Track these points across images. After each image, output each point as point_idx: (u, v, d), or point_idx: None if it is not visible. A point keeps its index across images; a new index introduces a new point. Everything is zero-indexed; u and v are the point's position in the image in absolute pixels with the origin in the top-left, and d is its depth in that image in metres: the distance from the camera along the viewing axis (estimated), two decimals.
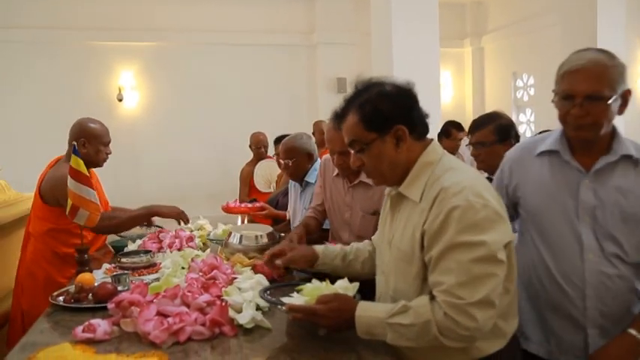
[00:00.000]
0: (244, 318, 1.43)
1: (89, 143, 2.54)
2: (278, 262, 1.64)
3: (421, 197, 1.28)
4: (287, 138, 2.84)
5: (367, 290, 1.52)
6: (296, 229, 2.33)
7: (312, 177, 2.76)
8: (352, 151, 1.37)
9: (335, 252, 1.65)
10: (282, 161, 2.81)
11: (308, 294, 1.40)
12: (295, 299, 1.41)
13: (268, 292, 1.58)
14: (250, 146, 5.02)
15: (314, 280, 1.52)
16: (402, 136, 1.30)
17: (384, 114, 1.29)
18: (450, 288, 1.16)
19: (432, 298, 1.21)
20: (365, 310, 1.26)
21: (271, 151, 4.96)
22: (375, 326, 1.23)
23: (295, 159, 2.74)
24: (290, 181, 3.02)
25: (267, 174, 4.51)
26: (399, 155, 1.31)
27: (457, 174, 1.27)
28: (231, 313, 1.48)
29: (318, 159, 2.82)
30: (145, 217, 2.68)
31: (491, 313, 1.17)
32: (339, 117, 1.39)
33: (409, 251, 1.28)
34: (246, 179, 4.84)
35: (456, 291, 1.15)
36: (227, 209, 3.20)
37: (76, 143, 2.15)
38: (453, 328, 1.15)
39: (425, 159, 1.32)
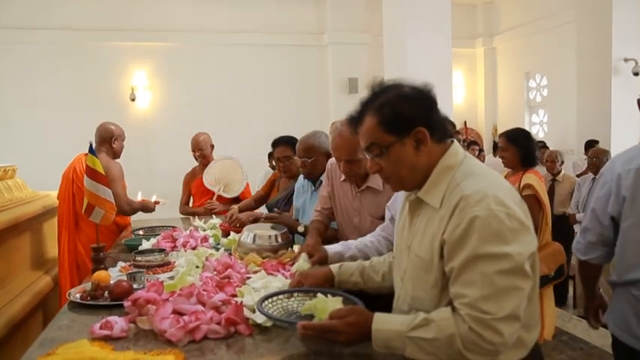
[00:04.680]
0: (261, 317, 1.43)
1: (117, 141, 3.46)
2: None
3: (441, 203, 1.24)
4: (305, 136, 2.74)
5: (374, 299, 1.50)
6: (309, 239, 2.23)
7: None
8: (369, 156, 1.32)
9: (352, 269, 1.61)
10: (297, 159, 2.73)
11: (314, 309, 1.35)
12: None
13: (267, 301, 1.48)
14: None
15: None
16: (423, 139, 1.25)
17: (403, 116, 1.25)
18: (473, 301, 1.12)
19: (453, 309, 1.16)
20: (382, 322, 1.20)
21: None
22: (394, 340, 1.18)
23: (314, 158, 2.65)
24: (299, 179, 2.93)
25: (222, 175, 3.96)
26: (419, 159, 1.26)
27: (478, 180, 1.22)
28: (247, 312, 1.48)
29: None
30: None
31: (517, 326, 1.14)
32: (355, 120, 1.33)
33: (427, 259, 1.25)
34: (187, 185, 4.17)
35: (480, 305, 1.11)
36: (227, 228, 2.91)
37: (92, 142, 2.18)
38: (478, 342, 1.12)
39: (445, 163, 1.28)
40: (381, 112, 1.26)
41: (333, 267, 1.63)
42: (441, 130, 1.29)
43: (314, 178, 2.77)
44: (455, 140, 1.33)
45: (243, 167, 4.04)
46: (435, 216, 1.25)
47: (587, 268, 2.01)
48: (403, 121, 1.25)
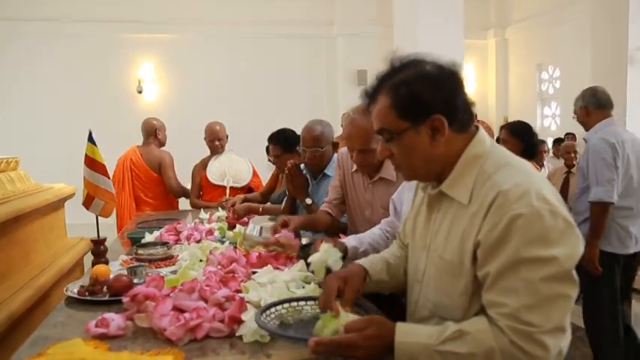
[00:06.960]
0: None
1: (160, 132, 4.02)
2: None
3: (470, 198, 1.11)
4: (309, 125, 2.59)
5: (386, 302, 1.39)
6: (295, 218, 2.09)
7: (330, 170, 2.58)
8: (380, 139, 1.20)
9: (379, 265, 1.39)
10: (305, 149, 2.55)
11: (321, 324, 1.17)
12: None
13: (267, 312, 1.31)
14: (205, 138, 4.07)
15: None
16: (440, 128, 1.11)
17: (421, 100, 1.11)
18: (515, 312, 0.99)
19: (488, 319, 1.04)
20: (406, 334, 1.06)
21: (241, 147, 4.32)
22: (421, 354, 1.03)
23: (325, 148, 2.52)
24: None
25: (225, 169, 3.89)
26: (434, 149, 1.13)
27: (515, 172, 1.08)
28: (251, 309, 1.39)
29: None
30: None
31: (562, 338, 1.03)
32: (369, 97, 1.21)
33: (456, 263, 1.11)
34: (196, 177, 4.05)
35: (523, 316, 0.98)
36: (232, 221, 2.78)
37: (91, 131, 2.10)
38: (520, 357, 0.99)
39: (471, 152, 1.14)
40: (396, 93, 1.13)
41: (364, 262, 1.39)
42: (464, 118, 1.15)
43: (319, 171, 2.64)
44: (480, 127, 1.20)
45: (242, 156, 4.02)
46: (463, 213, 1.12)
47: (607, 210, 2.89)
48: (419, 106, 1.12)
